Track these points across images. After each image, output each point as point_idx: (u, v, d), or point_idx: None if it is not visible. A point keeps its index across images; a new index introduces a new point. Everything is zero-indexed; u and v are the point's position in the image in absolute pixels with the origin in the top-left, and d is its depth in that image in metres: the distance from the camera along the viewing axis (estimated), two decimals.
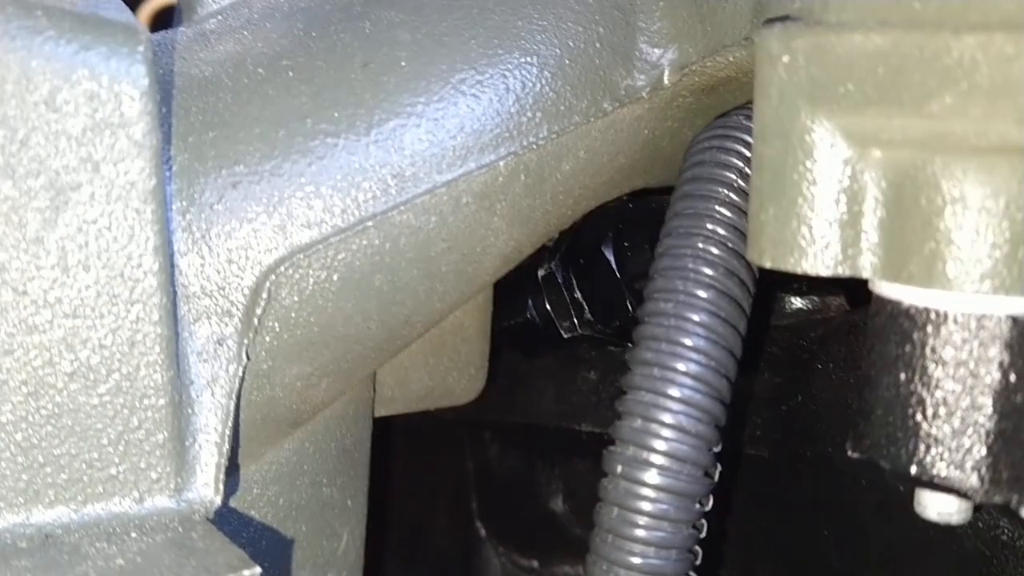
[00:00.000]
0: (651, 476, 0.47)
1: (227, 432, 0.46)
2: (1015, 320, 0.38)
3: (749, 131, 0.47)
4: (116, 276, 0.42)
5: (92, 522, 0.43)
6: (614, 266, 0.60)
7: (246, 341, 0.47)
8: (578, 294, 0.63)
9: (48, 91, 0.40)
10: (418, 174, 0.48)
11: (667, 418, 0.47)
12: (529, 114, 0.49)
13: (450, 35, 0.49)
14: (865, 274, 0.40)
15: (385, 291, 0.49)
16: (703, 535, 0.49)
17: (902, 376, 0.40)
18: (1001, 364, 0.38)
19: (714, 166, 0.49)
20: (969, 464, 0.39)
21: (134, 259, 0.42)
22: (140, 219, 0.42)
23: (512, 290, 0.63)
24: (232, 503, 0.50)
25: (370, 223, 0.47)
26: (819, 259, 0.40)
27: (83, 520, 0.43)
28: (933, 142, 0.37)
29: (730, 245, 0.48)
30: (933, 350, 0.39)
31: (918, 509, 0.41)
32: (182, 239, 0.46)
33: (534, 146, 0.50)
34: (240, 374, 0.46)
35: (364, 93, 0.48)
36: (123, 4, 0.46)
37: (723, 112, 0.52)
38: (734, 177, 0.49)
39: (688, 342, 0.48)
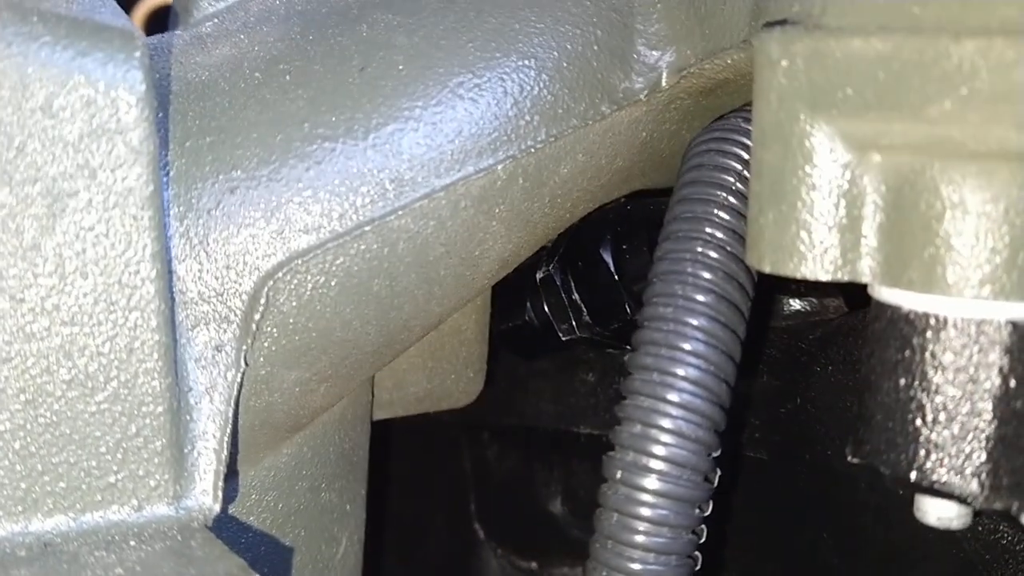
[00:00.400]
0: (651, 482, 0.47)
1: (226, 439, 0.46)
2: (1015, 325, 0.38)
3: (747, 134, 0.47)
4: (114, 283, 0.42)
5: (91, 530, 0.43)
6: (612, 268, 0.60)
7: (244, 347, 0.46)
8: (576, 296, 0.63)
9: (44, 97, 0.39)
10: (416, 178, 0.48)
11: (666, 423, 0.47)
12: (527, 117, 0.49)
13: (447, 38, 0.49)
14: (865, 279, 0.40)
15: (383, 296, 0.49)
16: (703, 540, 0.49)
17: (902, 381, 0.40)
18: (1001, 369, 0.38)
19: (712, 169, 0.49)
20: (969, 470, 0.39)
21: (132, 266, 0.42)
22: (137, 225, 0.42)
23: (510, 292, 0.63)
24: (230, 509, 0.49)
25: (368, 228, 0.47)
26: (819, 264, 0.40)
27: (82, 528, 0.43)
28: (933, 147, 0.37)
29: (729, 249, 0.48)
30: (933, 355, 0.39)
31: (918, 515, 0.41)
32: (180, 245, 0.45)
33: (532, 149, 0.49)
34: (239, 380, 0.46)
35: (361, 97, 0.48)
36: (119, 8, 0.46)
37: (721, 114, 0.52)
38: (733, 180, 0.49)
39: (687, 347, 0.48)
